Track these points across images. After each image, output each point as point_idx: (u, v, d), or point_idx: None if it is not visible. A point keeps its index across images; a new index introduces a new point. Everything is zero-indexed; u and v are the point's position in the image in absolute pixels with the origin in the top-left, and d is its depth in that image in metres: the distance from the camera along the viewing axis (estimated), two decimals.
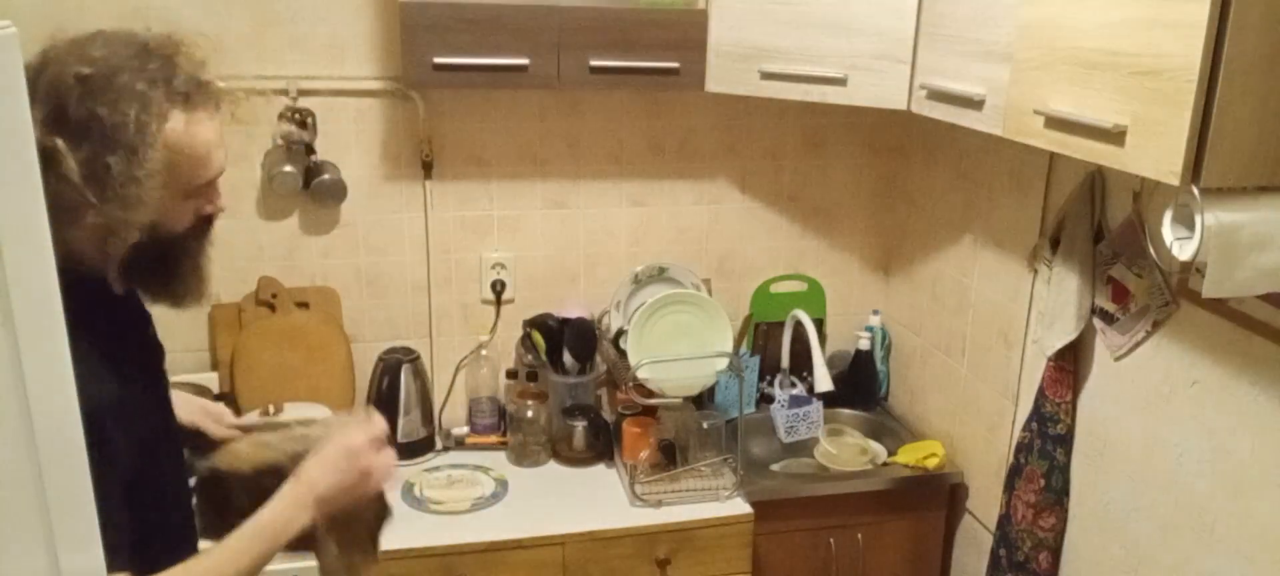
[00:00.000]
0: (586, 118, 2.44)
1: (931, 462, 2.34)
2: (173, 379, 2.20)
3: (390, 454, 1.34)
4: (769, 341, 2.62)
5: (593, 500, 2.19)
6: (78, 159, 1.02)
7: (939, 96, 1.85)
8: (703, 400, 2.46)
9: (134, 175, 1.05)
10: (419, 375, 2.36)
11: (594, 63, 2.11)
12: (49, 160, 0.99)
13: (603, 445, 2.35)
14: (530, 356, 2.43)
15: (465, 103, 2.36)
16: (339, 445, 1.30)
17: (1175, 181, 1.26)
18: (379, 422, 1.35)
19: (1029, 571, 2.03)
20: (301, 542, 1.29)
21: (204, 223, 1.23)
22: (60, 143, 1.02)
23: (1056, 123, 1.49)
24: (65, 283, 1.01)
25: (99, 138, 1.04)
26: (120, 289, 1.23)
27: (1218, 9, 1.19)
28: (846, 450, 2.42)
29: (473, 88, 2.33)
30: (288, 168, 2.23)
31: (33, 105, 0.97)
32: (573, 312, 2.43)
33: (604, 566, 2.10)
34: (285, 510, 1.25)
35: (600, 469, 2.33)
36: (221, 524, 1.27)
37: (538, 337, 2.39)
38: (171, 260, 1.21)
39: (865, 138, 2.61)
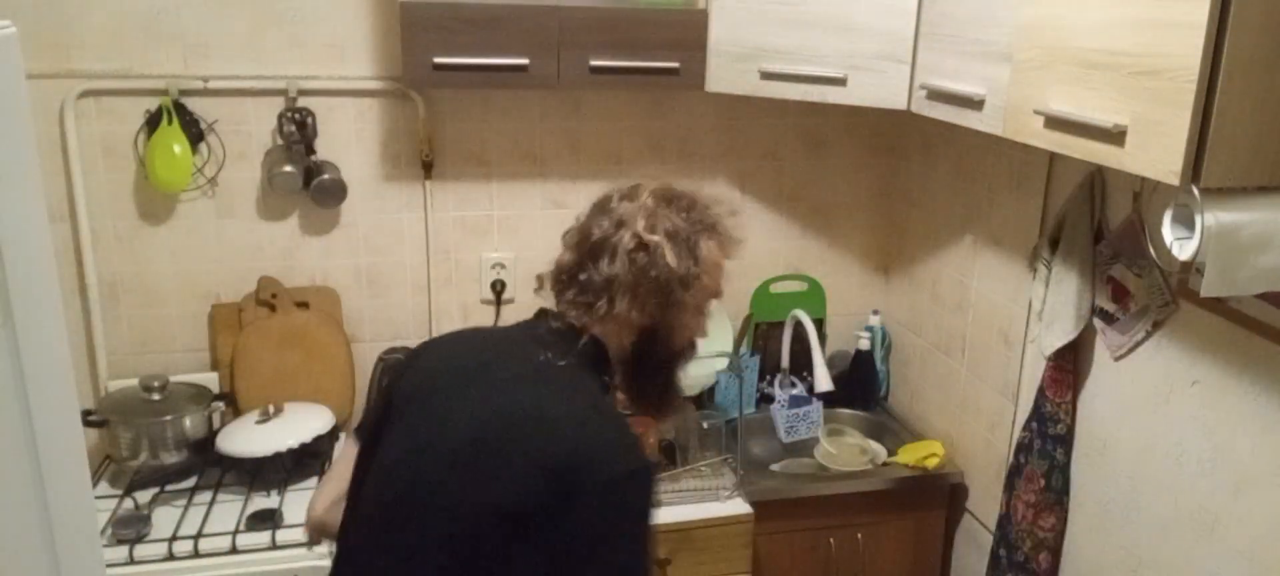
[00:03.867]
0: (586, 118, 2.44)
1: (931, 462, 2.34)
2: (173, 378, 2.22)
3: None
4: (769, 341, 2.62)
5: None
6: (669, 253, 1.34)
7: (939, 96, 1.85)
8: (703, 400, 2.46)
9: (692, 268, 1.35)
10: None
11: (594, 63, 2.11)
12: (650, 249, 1.33)
13: None
14: None
15: (465, 103, 2.36)
16: None
17: (1175, 181, 1.26)
18: None
19: (1029, 571, 2.03)
20: None
21: (691, 348, 1.45)
22: (659, 239, 1.34)
23: (1056, 123, 1.49)
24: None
25: (675, 240, 1.35)
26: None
27: (1218, 9, 1.19)
28: (846, 450, 2.42)
29: (473, 88, 2.33)
30: (288, 168, 2.24)
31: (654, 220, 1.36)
32: None
33: None
34: None
35: None
36: None
37: None
38: (665, 374, 1.44)
39: (865, 138, 2.61)
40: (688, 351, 1.45)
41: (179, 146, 2.17)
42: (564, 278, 1.39)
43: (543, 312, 1.43)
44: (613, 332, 1.37)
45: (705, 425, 2.29)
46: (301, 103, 2.26)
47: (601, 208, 1.40)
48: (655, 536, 1.27)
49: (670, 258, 1.33)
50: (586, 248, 1.37)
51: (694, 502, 2.17)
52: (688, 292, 1.35)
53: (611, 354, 1.38)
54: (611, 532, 1.20)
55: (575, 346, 1.35)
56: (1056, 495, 1.99)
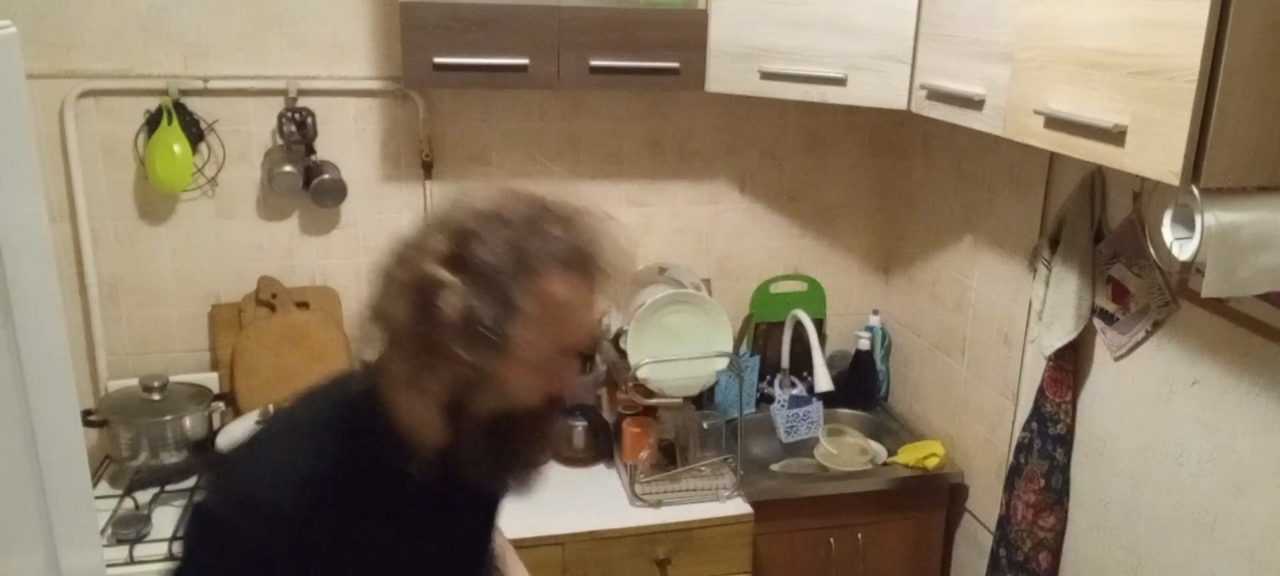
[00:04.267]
0: (586, 118, 2.44)
1: (931, 462, 2.34)
2: (173, 378, 2.22)
3: None
4: (769, 341, 2.62)
5: (593, 500, 2.19)
6: (457, 300, 0.96)
7: (939, 96, 1.85)
8: (703, 400, 2.46)
9: (504, 323, 0.97)
10: None
11: (594, 63, 2.11)
12: (428, 292, 0.97)
13: (603, 445, 2.34)
14: None
15: (465, 103, 2.36)
16: None
17: (1175, 181, 1.26)
18: None
19: (1029, 571, 2.03)
20: None
21: (550, 407, 1.09)
22: (448, 276, 0.97)
23: (1056, 123, 1.49)
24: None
25: (478, 279, 0.97)
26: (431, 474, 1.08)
27: (1218, 9, 1.19)
28: (846, 450, 2.42)
29: (473, 88, 2.33)
30: (288, 168, 2.24)
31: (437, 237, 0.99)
32: None
33: (604, 566, 2.10)
34: None
35: (600, 469, 2.33)
36: None
37: None
38: (511, 442, 1.08)
39: (865, 138, 2.61)
40: (542, 413, 1.08)
41: (179, 146, 2.17)
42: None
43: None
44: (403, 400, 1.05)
45: (705, 425, 2.29)
46: (301, 103, 2.26)
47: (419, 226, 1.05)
48: None
49: (468, 309, 0.96)
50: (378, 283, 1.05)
51: (694, 502, 2.17)
52: (502, 356, 0.98)
53: (404, 424, 1.05)
54: (182, 557, 1.10)
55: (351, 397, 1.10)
56: (1056, 495, 1.99)
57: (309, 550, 1.04)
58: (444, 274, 0.97)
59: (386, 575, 1.12)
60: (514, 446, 1.09)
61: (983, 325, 2.28)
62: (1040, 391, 1.99)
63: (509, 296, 0.97)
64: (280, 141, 2.26)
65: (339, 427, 1.09)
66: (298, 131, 2.24)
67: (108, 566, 1.80)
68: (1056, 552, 2.02)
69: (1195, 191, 1.28)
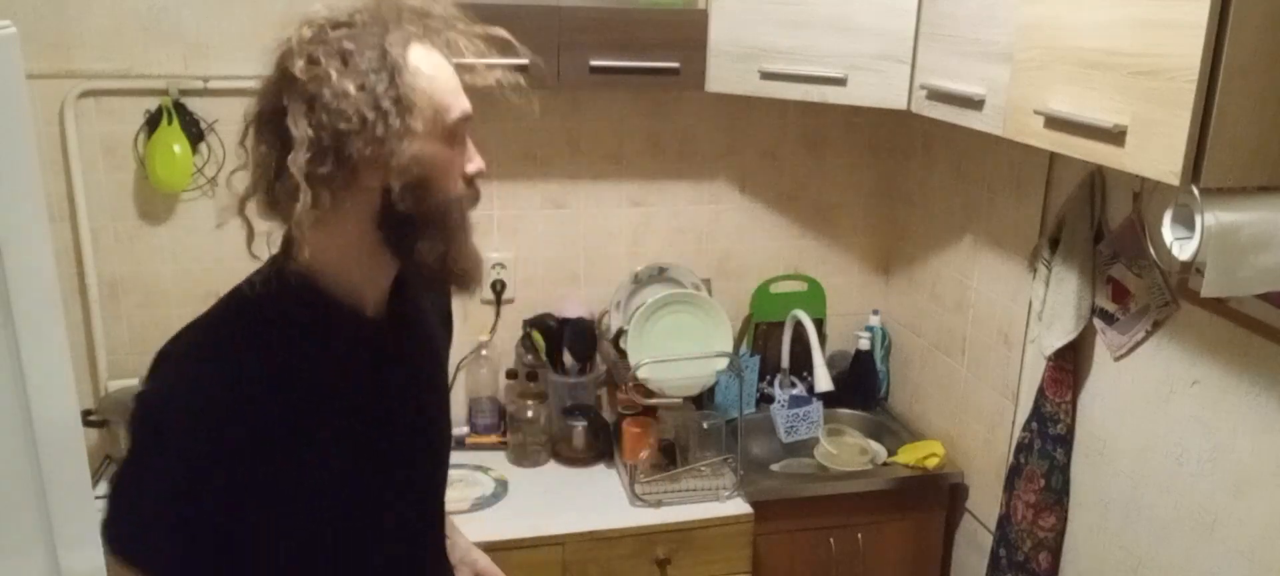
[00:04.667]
0: (586, 118, 2.44)
1: (931, 462, 2.34)
2: None
3: None
4: (769, 341, 2.62)
5: (592, 500, 2.19)
6: (337, 99, 0.98)
7: (939, 96, 1.85)
8: (703, 400, 2.46)
9: (394, 102, 0.99)
10: None
11: (594, 63, 2.11)
12: (312, 104, 0.99)
13: (603, 445, 2.35)
14: (530, 356, 2.42)
15: None
16: None
17: (1175, 181, 1.26)
18: None
19: (1029, 571, 2.03)
20: None
21: (470, 188, 1.12)
22: (322, 80, 0.99)
23: (1056, 123, 1.49)
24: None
25: (354, 73, 0.99)
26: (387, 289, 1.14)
27: (1218, 9, 1.19)
28: (846, 450, 2.42)
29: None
30: None
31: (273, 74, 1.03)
32: (573, 312, 2.43)
33: (604, 566, 2.10)
34: None
35: (600, 469, 2.33)
36: None
37: (538, 337, 2.39)
38: (448, 229, 1.09)
39: (865, 138, 2.61)
40: (452, 203, 1.10)
41: (179, 146, 2.17)
42: (249, 188, 1.12)
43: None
44: (321, 233, 1.05)
45: (705, 425, 2.29)
46: None
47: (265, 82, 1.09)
48: (178, 470, 1.06)
49: (352, 91, 0.98)
50: (250, 132, 1.10)
51: (694, 502, 2.17)
52: (400, 126, 1.00)
53: (329, 254, 1.08)
54: (128, 450, 1.10)
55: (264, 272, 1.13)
56: (1056, 495, 1.99)
57: (246, 421, 1.05)
58: (323, 69, 0.99)
59: (335, 439, 1.13)
60: (447, 231, 1.09)
61: (983, 325, 2.28)
62: (1040, 391, 1.99)
63: (387, 67, 0.99)
64: None
65: (261, 299, 1.13)
66: None
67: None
68: (1056, 552, 2.02)
69: (1195, 191, 1.28)
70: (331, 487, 1.14)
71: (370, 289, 1.14)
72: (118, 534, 1.10)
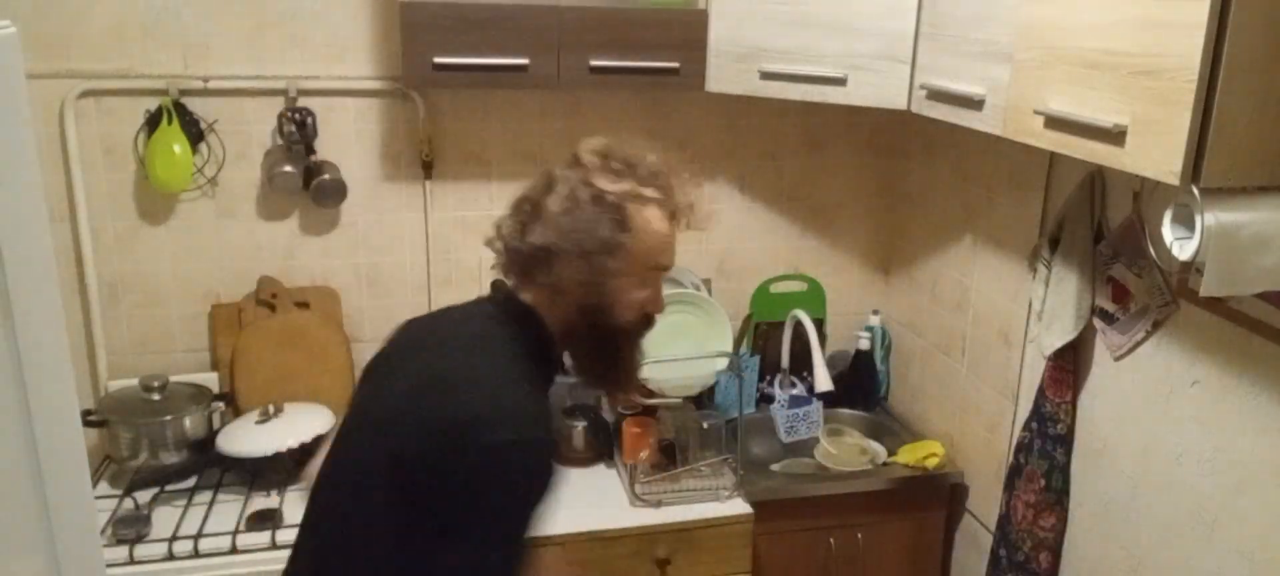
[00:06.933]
0: (586, 118, 2.44)
1: (931, 462, 2.34)
2: (173, 378, 2.22)
3: None
4: (769, 341, 2.62)
5: (593, 500, 2.19)
6: (572, 226, 1.29)
7: (939, 96, 1.85)
8: (703, 400, 2.46)
9: (614, 238, 1.29)
10: None
11: (594, 63, 2.11)
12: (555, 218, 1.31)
13: (603, 445, 2.34)
14: None
15: (465, 103, 2.36)
16: None
17: (1175, 181, 1.26)
18: None
19: (1029, 571, 2.03)
20: None
21: (644, 322, 1.40)
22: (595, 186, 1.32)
23: (1056, 123, 1.49)
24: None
25: (594, 205, 1.30)
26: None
27: (1218, 9, 1.19)
28: (846, 450, 2.42)
29: (473, 88, 2.33)
30: (288, 168, 2.24)
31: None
32: None
33: (604, 566, 2.10)
34: None
35: (600, 469, 2.33)
36: None
37: None
38: (613, 347, 1.40)
39: (865, 138, 2.61)
40: (638, 326, 1.40)
41: (179, 146, 2.17)
42: (499, 246, 1.39)
43: (496, 283, 1.43)
44: (547, 302, 1.35)
45: (705, 425, 2.29)
46: (301, 103, 2.26)
47: (545, 176, 1.37)
48: (538, 515, 1.25)
49: (594, 224, 1.29)
50: (521, 214, 1.36)
51: (694, 502, 2.17)
52: (614, 260, 1.30)
53: (551, 325, 1.36)
54: (484, 497, 1.20)
55: (509, 315, 1.36)
56: (1056, 495, 1.99)
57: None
58: (584, 201, 1.29)
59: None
60: (618, 353, 1.41)
61: (983, 325, 2.28)
62: (1040, 391, 1.99)
63: (621, 216, 1.30)
64: (280, 141, 2.26)
65: (517, 349, 1.33)
66: (298, 131, 2.24)
67: (108, 566, 1.80)
68: (1056, 552, 2.02)
69: (1195, 191, 1.28)
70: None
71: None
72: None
